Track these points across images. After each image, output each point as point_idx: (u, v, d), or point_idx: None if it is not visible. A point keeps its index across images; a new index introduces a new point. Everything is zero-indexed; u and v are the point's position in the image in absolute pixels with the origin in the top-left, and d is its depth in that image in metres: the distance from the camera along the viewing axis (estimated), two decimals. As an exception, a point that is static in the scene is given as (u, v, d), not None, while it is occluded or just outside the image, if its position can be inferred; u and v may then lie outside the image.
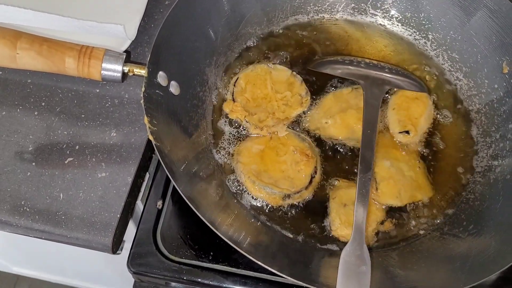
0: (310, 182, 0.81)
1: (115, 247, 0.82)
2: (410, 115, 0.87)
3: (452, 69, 0.94)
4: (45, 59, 0.73)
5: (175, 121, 0.79)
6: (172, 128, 0.77)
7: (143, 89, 0.73)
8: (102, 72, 0.75)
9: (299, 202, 0.80)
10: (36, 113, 0.90)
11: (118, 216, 0.81)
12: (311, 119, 0.88)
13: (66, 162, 0.85)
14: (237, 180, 0.81)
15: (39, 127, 0.88)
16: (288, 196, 0.79)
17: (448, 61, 0.95)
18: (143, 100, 0.73)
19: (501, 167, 0.82)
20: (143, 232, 0.83)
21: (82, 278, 1.75)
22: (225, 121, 0.87)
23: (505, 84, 0.86)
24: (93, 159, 0.86)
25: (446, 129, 0.88)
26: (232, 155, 0.84)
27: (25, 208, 0.81)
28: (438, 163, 0.85)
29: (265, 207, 0.80)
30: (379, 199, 0.79)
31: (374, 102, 0.81)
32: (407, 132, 0.85)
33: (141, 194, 0.90)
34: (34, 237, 0.82)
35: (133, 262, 0.81)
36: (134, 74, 0.76)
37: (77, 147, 0.87)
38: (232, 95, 0.88)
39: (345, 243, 0.70)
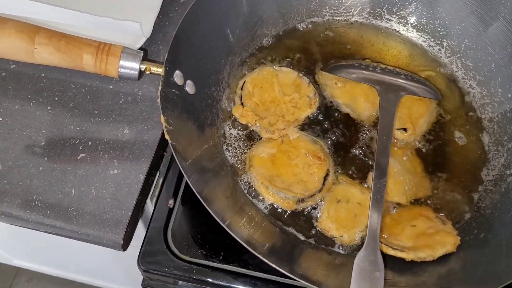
0: (323, 184, 0.81)
1: (126, 245, 0.82)
2: (411, 114, 0.87)
3: (466, 77, 0.94)
4: (63, 54, 0.73)
5: (191, 120, 0.79)
6: (187, 127, 0.77)
7: (160, 87, 0.73)
8: (119, 69, 0.75)
9: (313, 205, 0.80)
10: (49, 107, 0.90)
11: (130, 214, 0.81)
12: (324, 75, 0.90)
13: (78, 158, 0.85)
14: (250, 183, 0.81)
15: (52, 122, 0.88)
16: (302, 200, 0.80)
17: (462, 69, 0.95)
18: (159, 99, 0.73)
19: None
20: (154, 231, 0.83)
21: (84, 273, 1.75)
22: (237, 124, 0.87)
23: (518, 93, 0.86)
24: (106, 155, 0.86)
25: (457, 134, 0.89)
26: (245, 158, 0.84)
27: (36, 202, 0.81)
28: (449, 169, 0.85)
29: (279, 210, 0.80)
30: (387, 196, 0.79)
31: (390, 108, 0.81)
32: (405, 129, 0.85)
33: (150, 192, 0.90)
34: (45, 232, 0.82)
35: (143, 260, 0.81)
36: (151, 73, 0.76)
37: (89, 143, 0.87)
38: (241, 99, 0.88)
39: (329, 238, 0.72)
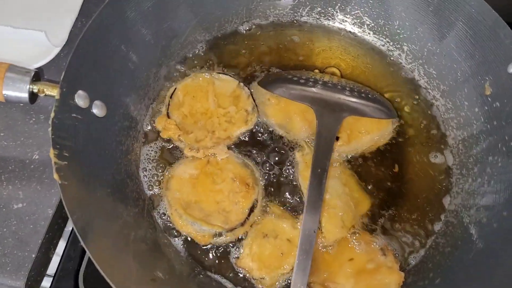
0: (248, 217, 0.69)
1: (31, 290, 0.71)
2: (355, 126, 0.76)
3: (429, 87, 0.82)
4: None
5: (97, 149, 0.67)
6: (92, 158, 0.66)
7: (52, 114, 0.61)
8: (3, 92, 0.63)
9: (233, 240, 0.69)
10: None
11: (34, 256, 0.70)
12: (257, 90, 0.79)
13: (-23, 189, 0.74)
14: (164, 213, 0.70)
15: None
16: (220, 234, 0.68)
17: (425, 77, 0.83)
18: (51, 128, 0.61)
19: (476, 208, 0.70)
20: (63, 274, 0.72)
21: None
22: (159, 144, 0.75)
23: (486, 108, 0.74)
24: (10, 186, 0.74)
25: (416, 156, 0.77)
26: (161, 181, 0.73)
27: None
28: (404, 196, 0.74)
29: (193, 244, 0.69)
30: (326, 240, 0.68)
31: (327, 134, 0.68)
32: (337, 138, 0.73)
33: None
34: None
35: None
36: (45, 95, 0.64)
37: (-8, 171, 0.75)
38: (167, 109, 0.76)
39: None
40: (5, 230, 0.71)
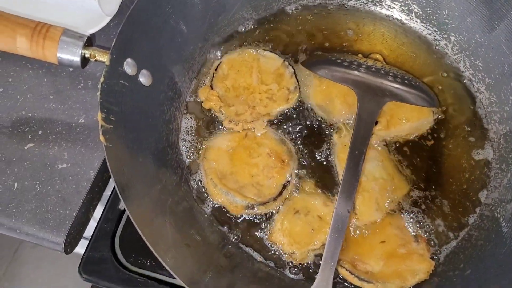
0: (280, 193, 0.70)
1: (69, 248, 0.74)
2: (395, 112, 0.76)
3: (474, 79, 0.81)
4: (-7, 35, 0.64)
5: (142, 117, 0.70)
6: (135, 125, 0.68)
7: (102, 79, 0.64)
8: (57, 55, 0.65)
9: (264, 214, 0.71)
10: (0, 89, 0.82)
11: (74, 214, 0.73)
12: (299, 71, 0.80)
13: (26, 147, 0.77)
14: (201, 180, 0.72)
15: (2, 106, 0.80)
16: (252, 206, 0.70)
17: (470, 69, 0.81)
18: (99, 92, 0.63)
19: (514, 204, 0.69)
20: (101, 234, 0.75)
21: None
22: (200, 115, 0.77)
23: (533, 104, 0.72)
24: (56, 147, 0.77)
25: (455, 148, 0.76)
26: (200, 150, 0.74)
27: (-25, 195, 0.74)
28: (440, 185, 0.74)
29: (226, 214, 0.71)
30: (359, 221, 0.69)
31: (368, 117, 0.68)
32: (376, 122, 0.73)
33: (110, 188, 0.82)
34: (-17, 227, 0.75)
35: (85, 268, 0.73)
36: (96, 60, 0.67)
37: (40, 132, 0.78)
38: (211, 81, 0.78)
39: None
40: (49, 188, 0.75)
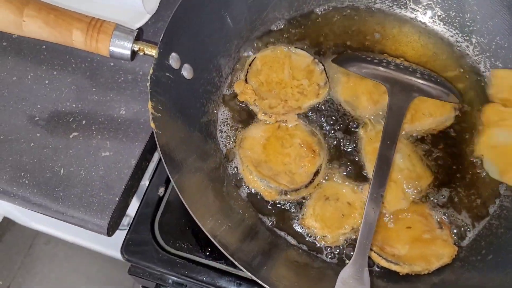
0: (312, 180, 0.75)
1: (112, 230, 0.79)
2: (419, 107, 0.80)
3: (494, 79, 0.86)
4: (52, 29, 0.69)
5: (184, 107, 0.75)
6: (178, 115, 0.73)
7: (151, 71, 0.69)
8: (110, 48, 0.70)
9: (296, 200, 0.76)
10: (46, 81, 0.87)
11: (117, 199, 0.78)
12: (329, 68, 0.85)
13: (71, 136, 0.82)
14: (237, 167, 0.77)
15: (48, 97, 0.85)
16: (285, 192, 0.74)
17: (490, 70, 0.86)
18: (149, 83, 0.68)
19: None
20: (141, 219, 0.80)
21: (97, 243, 1.77)
22: (235, 107, 0.82)
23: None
24: (99, 136, 0.82)
25: (476, 143, 0.80)
26: (236, 140, 0.79)
27: (24, 180, 0.79)
28: (464, 178, 0.78)
29: (260, 200, 0.76)
30: (387, 209, 0.73)
31: (398, 110, 0.74)
32: None
33: (148, 176, 0.87)
34: (30, 210, 0.80)
35: (127, 249, 0.78)
36: (144, 54, 0.72)
37: (84, 121, 0.83)
38: (246, 76, 0.83)
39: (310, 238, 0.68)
40: (93, 174, 0.80)
